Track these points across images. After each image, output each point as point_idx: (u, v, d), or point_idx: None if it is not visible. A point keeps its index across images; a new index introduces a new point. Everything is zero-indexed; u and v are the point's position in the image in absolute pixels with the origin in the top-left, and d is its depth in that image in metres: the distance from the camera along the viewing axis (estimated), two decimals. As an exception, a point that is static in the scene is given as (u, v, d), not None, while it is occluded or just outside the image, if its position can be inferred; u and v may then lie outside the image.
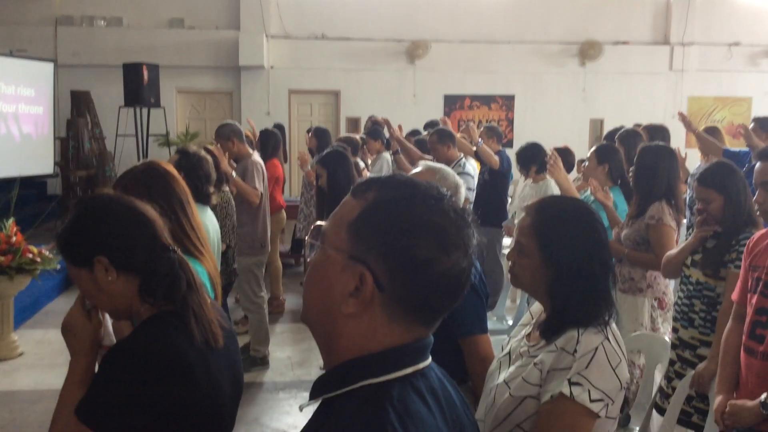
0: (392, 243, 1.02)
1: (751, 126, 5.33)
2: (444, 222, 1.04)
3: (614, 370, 1.68)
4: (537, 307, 1.96)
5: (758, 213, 2.55)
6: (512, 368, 1.83)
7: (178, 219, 2.15)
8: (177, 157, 3.46)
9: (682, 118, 5.64)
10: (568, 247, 1.76)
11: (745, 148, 5.41)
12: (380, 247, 1.02)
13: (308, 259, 1.14)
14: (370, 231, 1.03)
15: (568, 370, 1.67)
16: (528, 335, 1.90)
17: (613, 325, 1.78)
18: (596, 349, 1.67)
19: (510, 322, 5.05)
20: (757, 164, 2.43)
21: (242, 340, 5.63)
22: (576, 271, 1.75)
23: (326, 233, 1.10)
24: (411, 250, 1.01)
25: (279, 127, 9.31)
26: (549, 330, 1.77)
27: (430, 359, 1.11)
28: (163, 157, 10.80)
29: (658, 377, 3.35)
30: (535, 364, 1.74)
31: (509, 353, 1.91)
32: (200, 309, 1.66)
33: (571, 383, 1.65)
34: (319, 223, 1.13)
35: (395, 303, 1.04)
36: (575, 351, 1.68)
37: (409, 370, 1.06)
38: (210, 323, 1.66)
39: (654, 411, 3.24)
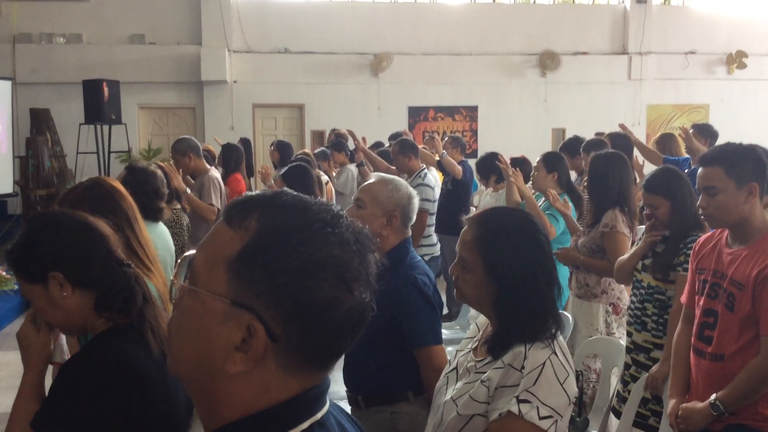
0: (286, 286, 0.85)
1: (690, 132, 5.49)
2: (344, 253, 0.88)
3: (562, 385, 1.66)
4: (483, 319, 1.93)
5: (702, 217, 2.61)
6: (459, 384, 1.80)
7: (125, 235, 2.13)
8: (124, 174, 3.43)
9: (623, 129, 5.80)
10: (511, 260, 1.73)
11: (685, 155, 5.57)
12: (271, 290, 0.85)
13: (173, 301, 0.96)
14: (258, 271, 0.85)
15: (516, 387, 1.65)
16: (474, 349, 1.88)
17: (560, 337, 1.77)
18: (544, 364, 1.66)
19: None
20: (699, 170, 2.49)
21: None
22: (521, 285, 1.72)
23: (198, 271, 0.91)
24: (309, 293, 0.85)
25: (245, 141, 9.29)
26: (496, 346, 1.74)
27: (328, 404, 0.96)
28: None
29: (615, 381, 3.39)
30: (482, 381, 1.72)
31: (456, 368, 1.89)
32: (156, 322, 1.66)
33: (519, 401, 1.62)
34: (188, 254, 0.97)
35: (292, 353, 0.87)
36: (523, 367, 1.66)
37: (306, 425, 0.90)
38: (165, 335, 1.65)
39: (612, 415, 3.28)
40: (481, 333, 1.92)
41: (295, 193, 0.94)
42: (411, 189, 2.61)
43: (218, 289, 0.87)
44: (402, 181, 2.63)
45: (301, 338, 0.87)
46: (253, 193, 0.95)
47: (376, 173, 2.76)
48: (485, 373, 1.73)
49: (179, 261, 0.98)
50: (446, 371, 1.94)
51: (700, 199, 2.48)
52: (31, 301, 1.67)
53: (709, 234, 2.63)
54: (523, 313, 1.72)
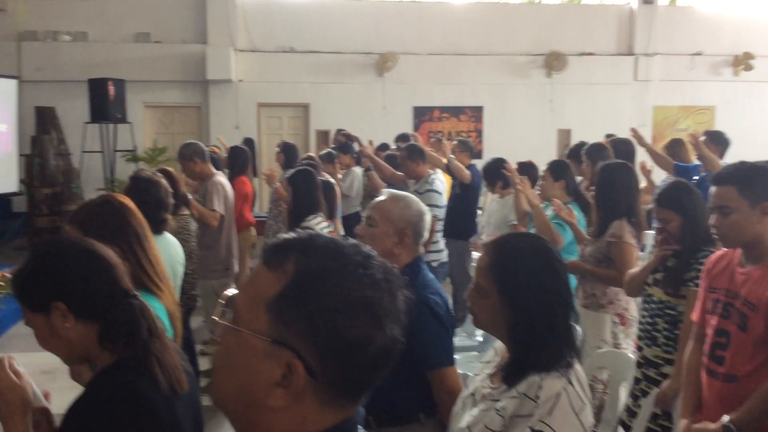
0: (323, 325, 0.91)
1: (702, 139, 5.44)
2: (376, 293, 0.95)
3: (578, 416, 1.64)
4: (501, 344, 1.91)
5: (714, 236, 2.59)
6: (475, 411, 1.79)
7: (135, 254, 2.11)
8: (128, 184, 3.40)
9: (634, 133, 5.76)
10: (526, 287, 1.72)
11: (695, 162, 5.53)
12: (309, 330, 0.91)
13: (215, 337, 1.02)
14: (296, 312, 0.92)
15: (531, 417, 1.63)
16: (491, 375, 1.86)
17: (577, 366, 1.75)
18: (558, 394, 1.64)
19: (480, 338, 5.05)
20: (712, 188, 2.47)
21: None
22: (535, 312, 1.71)
23: (239, 311, 0.97)
24: (344, 331, 0.92)
25: (248, 142, 9.27)
26: (511, 374, 1.73)
27: None
28: (130, 173, 10.68)
29: (624, 394, 3.38)
30: (496, 410, 1.70)
31: (473, 393, 1.87)
32: (163, 355, 1.61)
33: (533, 431, 1.61)
34: (230, 292, 1.01)
35: (328, 387, 0.94)
36: (537, 397, 1.64)
37: None
38: (174, 368, 1.62)
39: (621, 428, 3.27)
40: (498, 358, 1.90)
41: (328, 235, 1.01)
42: (423, 206, 2.56)
43: (259, 328, 0.93)
44: (413, 197, 2.58)
45: (338, 374, 0.93)
46: (289, 235, 1.01)
47: (387, 190, 2.71)
48: (500, 401, 1.72)
49: (221, 300, 1.02)
50: (463, 396, 1.92)
51: (713, 219, 2.46)
52: (32, 329, 1.63)
53: (721, 252, 2.61)
54: (537, 340, 1.70)
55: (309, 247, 0.96)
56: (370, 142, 6.84)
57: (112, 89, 10.24)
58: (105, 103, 10.15)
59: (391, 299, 0.97)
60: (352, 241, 1.01)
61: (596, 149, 5.32)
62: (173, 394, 1.59)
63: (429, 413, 2.44)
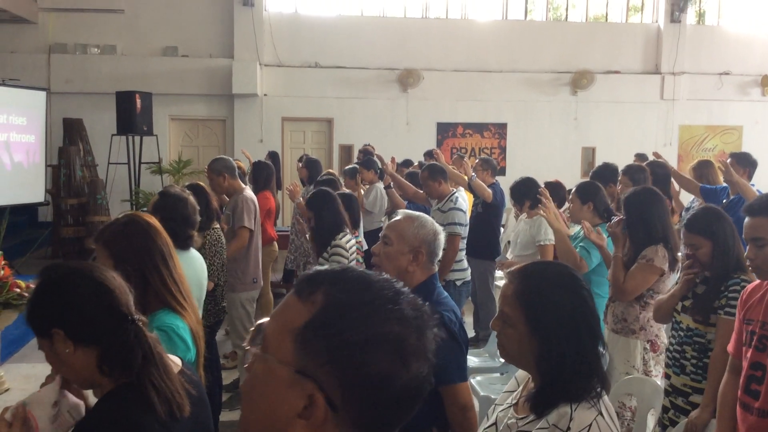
0: (346, 358, 0.89)
1: (728, 161, 5.36)
2: (403, 330, 0.92)
3: None
4: (523, 373, 1.88)
5: (750, 268, 2.53)
6: None
7: (159, 273, 2.11)
8: (156, 198, 3.42)
9: (657, 157, 5.71)
10: (553, 316, 1.69)
11: (723, 183, 5.47)
12: (332, 362, 0.89)
13: (245, 365, 1.04)
14: (321, 343, 0.90)
15: None
16: (515, 405, 1.82)
17: (605, 397, 1.71)
18: (590, 426, 1.61)
19: (502, 360, 4.98)
20: (746, 219, 2.42)
21: (232, 375, 5.56)
22: (563, 341, 1.68)
23: (268, 339, 0.96)
24: (367, 367, 0.89)
25: (273, 155, 9.30)
26: (539, 404, 1.69)
27: None
28: (155, 185, 10.80)
29: (651, 421, 3.31)
30: None
31: (495, 424, 1.84)
32: (161, 380, 1.62)
33: None
34: (261, 321, 1.04)
35: (351, 423, 0.90)
36: (569, 428, 1.61)
37: None
38: (173, 393, 1.61)
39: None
40: (521, 388, 1.86)
41: (360, 269, 1.00)
42: (437, 225, 2.60)
43: (284, 357, 0.92)
44: (427, 217, 2.62)
45: (359, 410, 0.90)
46: (322, 268, 1.00)
47: (402, 210, 2.75)
48: (529, 431, 1.69)
49: (252, 328, 1.04)
50: (485, 426, 1.88)
51: (747, 250, 2.40)
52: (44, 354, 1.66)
53: (756, 283, 2.54)
54: (566, 370, 1.67)
55: (339, 280, 0.95)
56: (392, 160, 6.81)
57: (139, 102, 10.36)
58: (132, 115, 10.27)
59: (419, 336, 0.94)
60: (384, 275, 0.99)
61: (636, 170, 5.30)
62: (172, 419, 1.59)
63: (441, 428, 2.44)
